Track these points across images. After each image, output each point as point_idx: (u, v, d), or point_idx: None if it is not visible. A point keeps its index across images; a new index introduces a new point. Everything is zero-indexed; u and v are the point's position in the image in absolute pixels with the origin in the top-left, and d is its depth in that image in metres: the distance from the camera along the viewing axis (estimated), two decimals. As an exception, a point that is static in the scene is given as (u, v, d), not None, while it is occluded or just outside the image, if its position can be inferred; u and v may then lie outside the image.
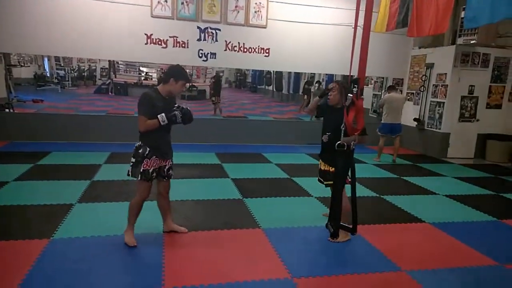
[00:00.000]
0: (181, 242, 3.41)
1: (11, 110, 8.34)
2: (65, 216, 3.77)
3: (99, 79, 20.64)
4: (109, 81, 18.31)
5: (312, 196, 4.93)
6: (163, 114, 3.07)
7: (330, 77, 15.28)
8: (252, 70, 22.88)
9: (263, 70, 18.67)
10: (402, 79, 9.21)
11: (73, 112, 10.61)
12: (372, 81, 12.02)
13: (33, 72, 18.38)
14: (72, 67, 20.07)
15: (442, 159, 7.86)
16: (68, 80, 19.14)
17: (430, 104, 8.27)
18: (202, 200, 4.54)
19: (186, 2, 7.17)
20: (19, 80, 16.01)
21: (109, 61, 17.19)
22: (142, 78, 19.37)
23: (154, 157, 3.20)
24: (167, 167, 3.35)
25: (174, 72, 3.17)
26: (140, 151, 3.17)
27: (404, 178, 6.18)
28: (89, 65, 21.32)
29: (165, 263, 2.98)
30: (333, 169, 3.35)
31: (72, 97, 16.12)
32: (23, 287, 2.57)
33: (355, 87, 2.55)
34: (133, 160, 3.20)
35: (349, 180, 3.26)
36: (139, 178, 3.18)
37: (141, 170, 3.16)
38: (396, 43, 8.64)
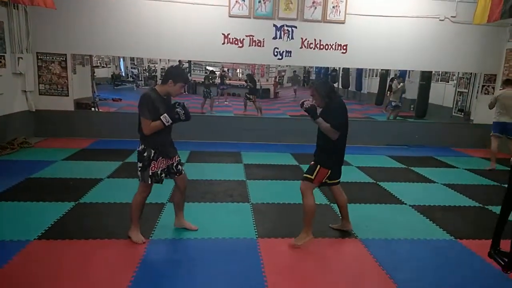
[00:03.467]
0: (276, 250, 3.28)
1: (96, 109, 8.93)
2: (159, 216, 3.85)
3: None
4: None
5: (405, 203, 4.54)
6: (165, 114, 3.01)
7: (403, 73, 14.30)
8: (316, 68, 22.22)
9: (328, 67, 18.07)
10: (495, 75, 8.27)
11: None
12: (454, 77, 11.04)
13: (111, 72, 19.71)
14: (144, 67, 21.16)
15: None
16: (141, 80, 20.22)
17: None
18: (288, 204, 4.39)
19: (264, 0, 7.08)
20: (98, 79, 17.25)
21: (179, 61, 17.79)
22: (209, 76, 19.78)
23: (161, 158, 3.15)
24: (174, 164, 3.30)
25: (173, 74, 3.08)
26: (145, 154, 3.10)
27: None
28: (162, 65, 22.28)
29: (266, 275, 2.87)
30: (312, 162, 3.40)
31: (145, 95, 16.98)
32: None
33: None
34: (139, 165, 3.13)
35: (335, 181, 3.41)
36: (149, 182, 3.14)
37: (150, 173, 3.12)
38: (487, 36, 7.75)
